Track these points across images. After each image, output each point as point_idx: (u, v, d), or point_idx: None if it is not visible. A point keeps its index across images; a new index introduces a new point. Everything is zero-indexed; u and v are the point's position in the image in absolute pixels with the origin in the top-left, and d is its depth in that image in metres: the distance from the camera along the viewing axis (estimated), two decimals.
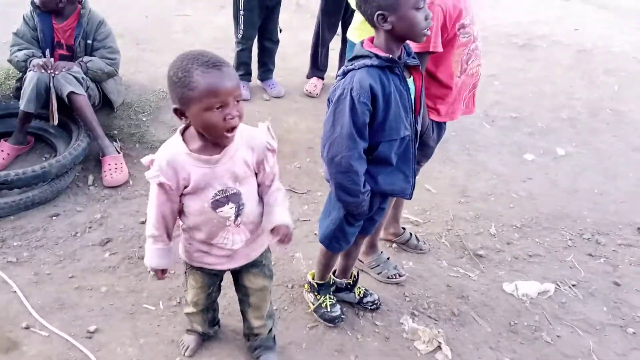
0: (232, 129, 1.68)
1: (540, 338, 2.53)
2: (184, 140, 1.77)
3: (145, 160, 1.78)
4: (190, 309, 2.20)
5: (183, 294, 2.24)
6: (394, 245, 3.06)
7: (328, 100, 2.01)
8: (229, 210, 1.83)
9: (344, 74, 1.95)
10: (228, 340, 2.36)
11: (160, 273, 1.94)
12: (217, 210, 1.81)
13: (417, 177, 2.66)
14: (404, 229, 3.08)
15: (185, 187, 1.78)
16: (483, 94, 4.34)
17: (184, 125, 1.79)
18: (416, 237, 3.08)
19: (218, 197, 1.80)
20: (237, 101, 1.66)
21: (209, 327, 2.29)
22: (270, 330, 2.25)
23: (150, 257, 1.90)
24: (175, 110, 1.69)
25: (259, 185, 1.91)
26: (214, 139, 1.73)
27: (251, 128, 1.83)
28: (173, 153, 1.76)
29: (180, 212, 1.87)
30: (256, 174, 1.88)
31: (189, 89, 1.60)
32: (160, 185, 1.75)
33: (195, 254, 1.97)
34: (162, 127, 3.88)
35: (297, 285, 2.70)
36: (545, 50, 5.94)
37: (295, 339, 2.41)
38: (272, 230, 1.89)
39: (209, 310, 2.23)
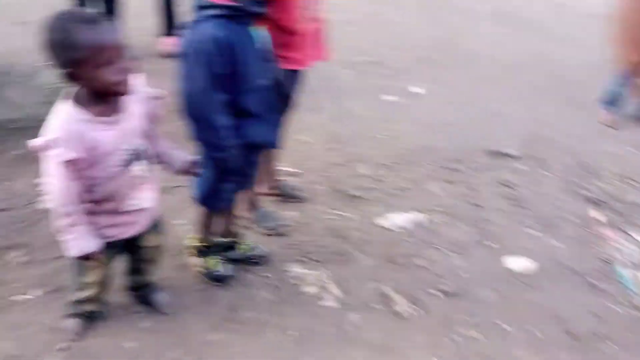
0: (127, 81, 1.64)
1: (415, 264, 2.74)
2: (77, 106, 1.66)
3: (37, 142, 1.63)
4: (87, 292, 2.09)
5: (74, 280, 2.10)
6: (274, 197, 3.10)
7: (178, 55, 1.96)
8: (139, 167, 1.82)
9: (191, 27, 1.91)
10: (113, 318, 2.27)
11: (99, 254, 1.85)
12: (129, 170, 1.79)
13: (287, 128, 2.71)
14: (281, 180, 3.12)
15: (93, 155, 1.69)
16: (340, 40, 4.41)
17: (68, 92, 1.68)
18: (295, 187, 3.15)
19: (128, 156, 1.77)
20: (124, 53, 1.62)
21: (102, 306, 2.22)
22: None
23: (82, 243, 1.78)
24: (68, 75, 1.59)
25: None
26: (111, 96, 1.68)
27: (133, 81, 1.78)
28: (72, 123, 1.64)
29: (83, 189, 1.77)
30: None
31: (76, 49, 1.52)
32: (68, 162, 1.63)
33: (98, 230, 1.86)
34: None
35: (180, 251, 2.65)
36: None
37: (186, 304, 2.39)
38: (182, 169, 2.05)
39: (106, 287, 2.16)
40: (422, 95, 4.44)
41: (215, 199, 2.27)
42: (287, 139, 2.89)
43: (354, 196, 3.20)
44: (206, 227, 2.47)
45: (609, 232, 2.97)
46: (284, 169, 3.33)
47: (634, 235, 2.97)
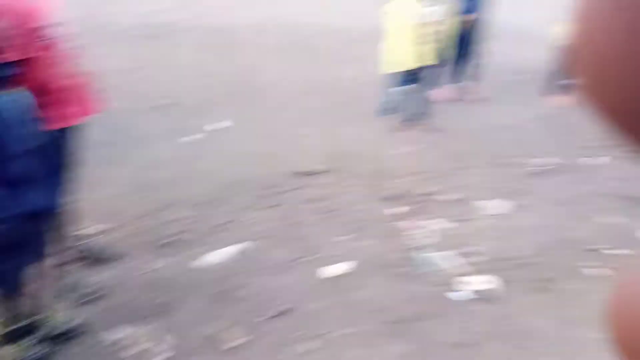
0: None
1: (243, 294, 2.76)
2: None
3: None
4: None
5: None
6: (83, 261, 2.90)
7: None
8: None
9: None
10: None
11: None
12: None
13: (80, 186, 2.57)
14: (88, 241, 2.94)
15: None
16: (131, 87, 4.35)
17: None
18: (105, 246, 2.98)
19: None
20: None
21: None
22: None
23: None
24: None
25: None
26: None
27: None
28: None
29: None
30: None
31: None
32: None
33: None
34: None
35: None
36: (178, 37, 6.28)
37: None
38: None
39: None
40: (226, 130, 4.53)
41: (2, 280, 2.05)
42: (89, 196, 2.75)
43: (172, 242, 3.14)
44: (5, 310, 2.22)
45: (407, 223, 3.31)
46: (91, 227, 3.14)
47: (426, 221, 3.35)
